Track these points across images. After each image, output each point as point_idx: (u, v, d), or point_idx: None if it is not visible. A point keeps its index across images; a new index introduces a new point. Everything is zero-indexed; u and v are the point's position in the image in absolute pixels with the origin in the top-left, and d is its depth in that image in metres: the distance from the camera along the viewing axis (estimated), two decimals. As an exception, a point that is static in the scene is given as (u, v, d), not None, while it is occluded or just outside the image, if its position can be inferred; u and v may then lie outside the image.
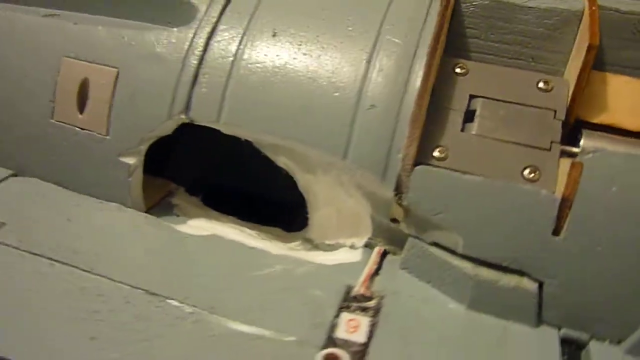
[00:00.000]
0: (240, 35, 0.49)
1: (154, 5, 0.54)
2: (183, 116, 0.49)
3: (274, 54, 0.48)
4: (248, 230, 0.55)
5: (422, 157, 0.46)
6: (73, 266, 0.45)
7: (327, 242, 0.54)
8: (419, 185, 0.44)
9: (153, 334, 0.40)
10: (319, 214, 0.55)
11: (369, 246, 0.52)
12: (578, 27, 0.49)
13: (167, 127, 0.50)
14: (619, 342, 0.44)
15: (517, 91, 0.48)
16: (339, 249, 0.53)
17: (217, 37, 0.50)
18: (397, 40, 0.47)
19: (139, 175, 0.53)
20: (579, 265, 0.42)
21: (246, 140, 0.50)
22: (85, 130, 0.52)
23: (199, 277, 0.46)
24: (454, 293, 0.46)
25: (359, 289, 0.47)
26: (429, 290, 0.47)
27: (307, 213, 0.55)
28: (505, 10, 0.51)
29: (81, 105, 0.52)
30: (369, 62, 0.47)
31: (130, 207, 0.53)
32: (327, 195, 0.54)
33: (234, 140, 0.51)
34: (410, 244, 0.48)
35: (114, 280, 0.44)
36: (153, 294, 0.44)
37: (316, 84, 0.47)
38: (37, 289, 0.43)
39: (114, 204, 0.53)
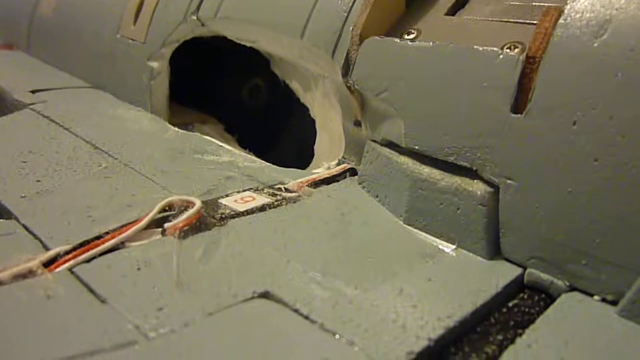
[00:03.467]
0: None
1: None
2: (194, 17, 0.51)
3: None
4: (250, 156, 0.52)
5: (392, 35, 0.38)
6: (78, 136, 0.48)
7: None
8: (366, 58, 0.37)
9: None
10: (318, 141, 0.50)
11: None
12: None
13: (182, 31, 0.53)
14: (610, 300, 0.27)
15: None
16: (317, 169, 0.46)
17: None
18: None
19: (162, 82, 0.56)
20: (548, 158, 0.28)
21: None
22: (133, 40, 0.58)
23: (146, 148, 0.45)
24: (394, 205, 0.35)
25: (292, 185, 0.39)
26: (372, 204, 0.37)
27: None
28: None
29: (136, 17, 0.59)
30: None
31: (151, 113, 0.56)
32: (322, 114, 0.48)
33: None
34: (366, 148, 0.39)
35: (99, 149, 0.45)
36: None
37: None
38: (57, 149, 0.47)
39: (138, 108, 0.57)
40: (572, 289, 0.28)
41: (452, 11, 0.38)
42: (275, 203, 0.36)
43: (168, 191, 0.37)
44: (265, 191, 0.38)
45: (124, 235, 0.29)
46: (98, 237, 0.29)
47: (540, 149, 0.29)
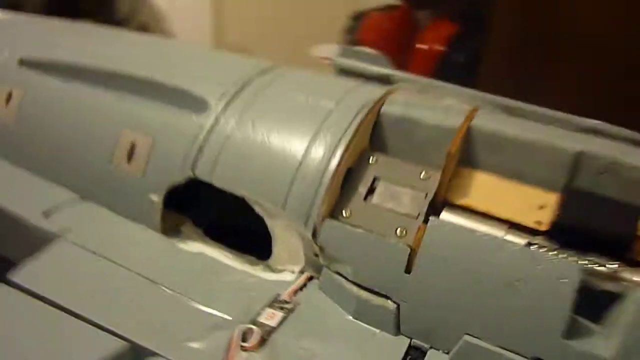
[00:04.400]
0: (233, 124, 0.77)
1: (177, 96, 0.82)
2: (191, 173, 0.76)
3: (250, 137, 0.75)
4: (228, 255, 0.81)
5: (335, 213, 0.70)
6: (132, 270, 0.71)
7: (279, 267, 0.79)
8: (326, 232, 0.69)
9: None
10: (277, 249, 0.80)
11: (302, 272, 0.75)
12: (455, 139, 0.73)
13: (180, 179, 0.77)
14: (448, 352, 0.65)
15: (405, 178, 0.72)
16: (283, 272, 0.77)
17: (219, 124, 0.77)
18: (329, 134, 0.73)
19: (159, 208, 0.79)
20: (423, 295, 0.65)
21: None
22: (130, 175, 0.80)
23: (176, 273, 0.72)
24: (347, 308, 0.69)
25: (284, 296, 0.70)
26: (333, 305, 0.70)
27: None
28: (408, 123, 0.75)
29: (129, 158, 0.80)
30: (308, 148, 0.72)
31: (150, 228, 0.80)
32: (281, 235, 0.78)
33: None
34: (324, 272, 0.72)
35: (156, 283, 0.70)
36: (154, 282, 0.70)
37: (274, 158, 0.73)
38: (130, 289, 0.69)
39: (141, 225, 0.80)
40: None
41: (366, 197, 0.72)
42: (286, 316, 0.67)
43: (225, 316, 0.65)
44: (276, 306, 0.68)
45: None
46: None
47: (420, 292, 0.65)
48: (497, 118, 0.75)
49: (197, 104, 0.80)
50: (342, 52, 2.31)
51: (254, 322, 0.65)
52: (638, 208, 0.63)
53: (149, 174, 0.79)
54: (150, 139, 0.79)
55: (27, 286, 0.66)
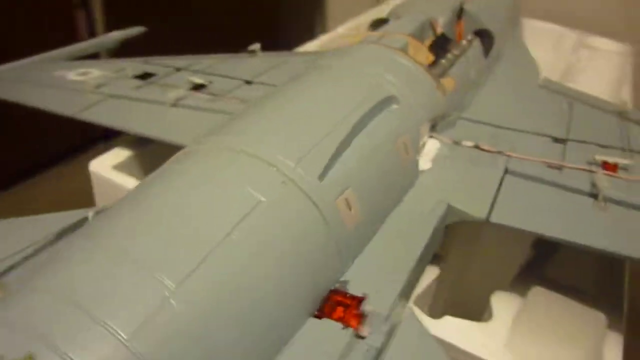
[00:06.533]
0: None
1: (383, 105, 1.22)
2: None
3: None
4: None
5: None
6: None
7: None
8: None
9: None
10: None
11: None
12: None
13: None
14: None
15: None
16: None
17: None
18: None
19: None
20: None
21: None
22: (408, 159, 1.22)
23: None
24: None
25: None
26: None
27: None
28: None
29: (406, 151, 1.21)
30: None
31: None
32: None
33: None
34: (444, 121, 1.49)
35: None
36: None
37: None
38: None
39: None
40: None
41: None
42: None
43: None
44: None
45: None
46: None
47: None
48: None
49: (391, 100, 1.22)
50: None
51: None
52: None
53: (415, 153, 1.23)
54: (409, 136, 1.20)
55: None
